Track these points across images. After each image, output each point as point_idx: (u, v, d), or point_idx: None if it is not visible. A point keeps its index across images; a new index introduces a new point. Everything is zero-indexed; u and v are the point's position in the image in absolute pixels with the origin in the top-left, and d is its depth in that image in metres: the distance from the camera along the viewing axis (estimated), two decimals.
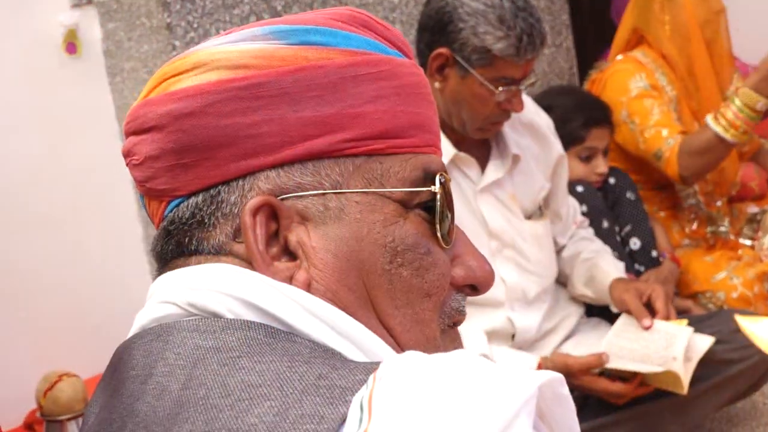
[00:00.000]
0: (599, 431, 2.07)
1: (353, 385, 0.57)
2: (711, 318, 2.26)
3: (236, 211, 0.68)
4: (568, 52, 3.35)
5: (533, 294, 2.13)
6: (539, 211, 2.20)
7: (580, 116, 2.58)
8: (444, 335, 0.73)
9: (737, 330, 2.17)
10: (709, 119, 2.45)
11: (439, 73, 1.98)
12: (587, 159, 2.60)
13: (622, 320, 2.11)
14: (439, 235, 0.71)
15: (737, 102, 2.37)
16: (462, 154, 2.06)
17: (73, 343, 2.53)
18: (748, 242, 2.81)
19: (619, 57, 2.80)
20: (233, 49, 0.70)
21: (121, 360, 0.68)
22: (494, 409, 0.53)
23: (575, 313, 2.26)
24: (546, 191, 2.20)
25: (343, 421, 0.55)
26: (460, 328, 0.77)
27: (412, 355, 0.58)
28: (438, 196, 0.71)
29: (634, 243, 2.61)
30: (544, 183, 2.19)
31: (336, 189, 0.69)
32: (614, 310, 2.19)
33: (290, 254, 0.68)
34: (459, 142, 2.06)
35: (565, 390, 0.58)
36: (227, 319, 0.65)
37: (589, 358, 1.99)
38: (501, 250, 2.11)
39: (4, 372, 2.42)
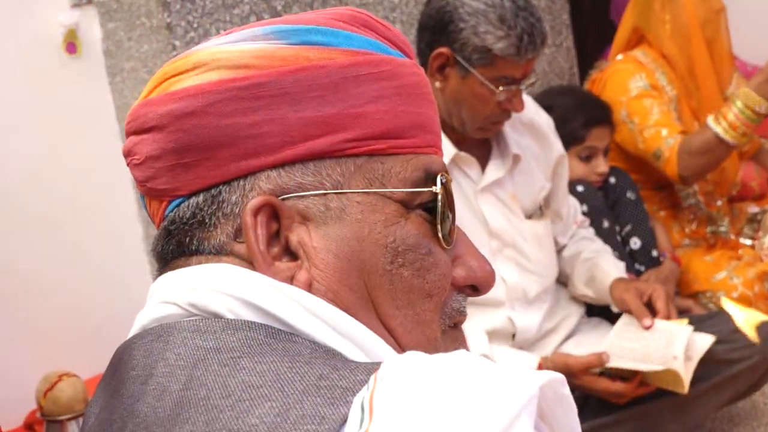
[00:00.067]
0: (600, 431, 2.06)
1: (354, 386, 0.57)
2: (711, 318, 2.26)
3: (237, 211, 0.68)
4: (569, 52, 3.35)
5: (534, 294, 2.13)
6: (540, 210, 2.20)
7: (580, 116, 2.58)
8: (445, 336, 0.73)
9: (737, 330, 2.17)
10: (710, 120, 2.45)
11: (439, 72, 1.98)
12: (588, 159, 2.60)
13: (623, 321, 2.11)
14: (440, 235, 0.71)
15: (738, 104, 2.37)
16: (462, 154, 2.06)
17: (73, 343, 2.53)
18: (748, 242, 2.81)
19: (620, 56, 2.80)
20: (234, 48, 0.70)
21: (121, 360, 0.68)
22: (496, 410, 0.53)
23: (576, 312, 2.26)
24: (546, 191, 2.20)
25: (344, 421, 0.55)
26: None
27: (413, 356, 0.58)
28: (439, 197, 0.71)
29: (635, 242, 2.61)
30: (545, 183, 2.19)
31: (337, 189, 0.68)
32: (615, 309, 2.19)
33: (291, 254, 0.68)
34: (459, 142, 2.06)
35: (567, 390, 0.58)
36: (228, 319, 0.65)
37: (589, 358, 1.99)
38: (501, 250, 2.11)
39: (4, 372, 2.42)
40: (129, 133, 0.72)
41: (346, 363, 0.61)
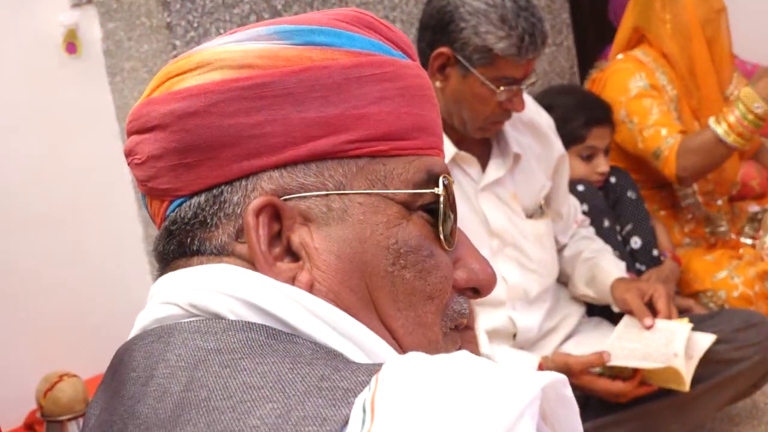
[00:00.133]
0: (601, 431, 2.06)
1: (356, 387, 0.57)
2: (712, 317, 2.26)
3: (239, 211, 0.68)
4: (569, 51, 3.35)
5: (534, 293, 2.13)
6: (540, 209, 2.20)
7: (580, 115, 2.58)
8: (446, 338, 0.73)
9: (738, 329, 2.17)
10: (712, 121, 2.45)
11: (440, 72, 1.98)
12: (588, 158, 2.60)
13: (625, 322, 2.11)
14: (441, 237, 0.71)
15: (741, 107, 2.37)
16: (463, 153, 2.06)
17: (73, 343, 2.53)
18: (749, 241, 2.81)
19: (620, 56, 2.80)
20: (237, 48, 0.70)
21: (121, 361, 0.68)
22: (498, 411, 0.52)
23: (576, 312, 2.26)
24: (547, 190, 2.20)
25: (346, 422, 0.54)
26: None
27: (415, 357, 0.57)
28: (441, 198, 0.71)
29: (635, 242, 2.61)
30: (545, 182, 2.19)
31: (339, 190, 0.68)
32: (616, 309, 2.19)
33: (293, 255, 0.68)
34: (460, 141, 2.06)
35: (569, 391, 0.58)
36: (229, 320, 0.64)
37: (589, 357, 1.99)
38: (502, 249, 2.11)
39: (4, 372, 2.42)
40: (131, 133, 0.72)
41: (348, 364, 0.61)
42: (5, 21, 2.44)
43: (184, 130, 0.68)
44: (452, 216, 0.73)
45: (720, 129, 2.41)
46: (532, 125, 2.17)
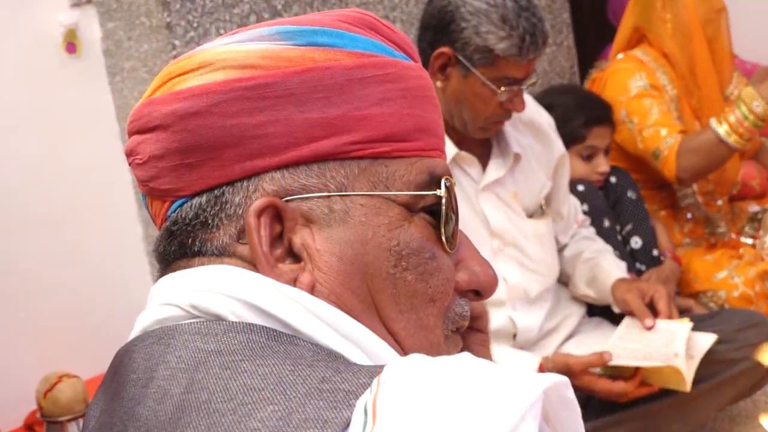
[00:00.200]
0: (601, 431, 2.06)
1: (357, 389, 0.56)
2: (713, 317, 2.26)
3: (240, 212, 0.68)
4: (569, 51, 3.35)
5: (535, 293, 2.13)
6: (541, 209, 2.20)
7: (581, 115, 2.57)
8: (448, 341, 0.73)
9: (739, 329, 2.17)
10: (713, 121, 2.45)
11: (441, 72, 1.98)
12: (588, 158, 2.60)
13: (626, 323, 2.11)
14: (443, 239, 0.71)
15: (742, 107, 2.37)
16: (463, 153, 2.06)
17: (73, 344, 2.52)
18: (749, 241, 2.81)
19: (620, 56, 2.80)
20: (240, 48, 0.69)
21: (121, 363, 0.68)
22: (500, 413, 0.52)
23: (577, 312, 2.26)
24: (547, 190, 2.20)
25: (347, 425, 0.54)
26: None
27: (417, 359, 0.57)
28: (443, 200, 0.71)
29: (636, 242, 2.61)
30: (546, 182, 2.19)
31: (341, 191, 0.68)
32: (616, 310, 2.18)
33: (294, 256, 0.68)
34: (460, 141, 2.06)
35: (571, 393, 0.58)
36: (229, 321, 0.64)
37: (590, 357, 1.99)
38: (503, 249, 2.10)
39: (4, 372, 2.42)
40: (132, 133, 0.72)
41: (349, 366, 0.60)
42: (5, 21, 2.44)
43: (185, 130, 0.68)
44: (454, 218, 0.73)
45: (721, 129, 2.41)
46: (533, 125, 2.17)
